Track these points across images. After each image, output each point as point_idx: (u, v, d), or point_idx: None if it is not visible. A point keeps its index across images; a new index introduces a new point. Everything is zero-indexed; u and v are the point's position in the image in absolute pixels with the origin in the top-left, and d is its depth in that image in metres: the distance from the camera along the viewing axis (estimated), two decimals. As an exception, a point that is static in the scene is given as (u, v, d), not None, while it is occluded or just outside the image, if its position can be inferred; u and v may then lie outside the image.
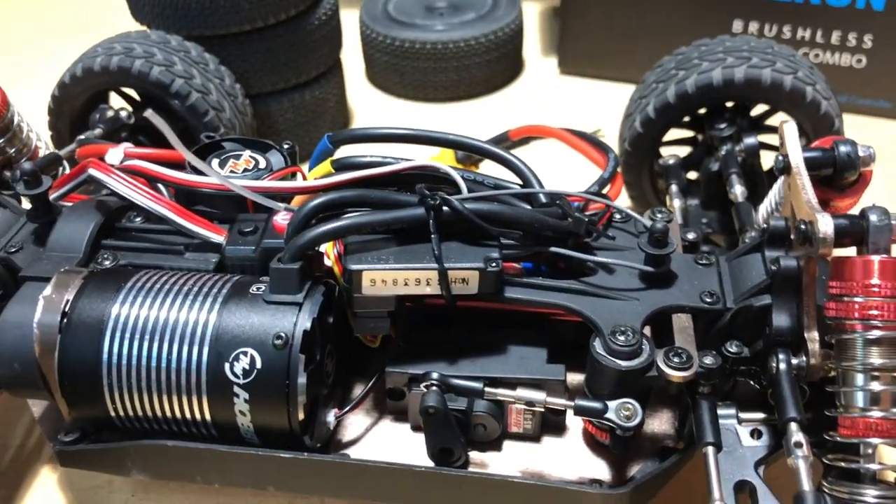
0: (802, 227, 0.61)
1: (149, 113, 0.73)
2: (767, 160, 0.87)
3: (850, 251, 0.62)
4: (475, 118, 1.42)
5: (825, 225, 0.59)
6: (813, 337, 0.63)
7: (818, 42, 1.28)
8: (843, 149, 0.67)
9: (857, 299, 0.58)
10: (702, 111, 0.98)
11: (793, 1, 1.26)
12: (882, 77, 1.28)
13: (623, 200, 1.06)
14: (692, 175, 1.02)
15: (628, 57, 1.40)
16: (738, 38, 0.96)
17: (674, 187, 0.92)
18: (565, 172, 1.03)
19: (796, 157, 0.66)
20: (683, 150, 1.03)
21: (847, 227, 0.59)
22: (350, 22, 1.53)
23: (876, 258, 0.58)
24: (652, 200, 1.02)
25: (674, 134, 1.02)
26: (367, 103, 1.47)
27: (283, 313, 0.64)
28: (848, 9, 1.23)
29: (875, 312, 0.58)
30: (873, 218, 0.59)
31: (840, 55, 1.28)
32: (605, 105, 1.38)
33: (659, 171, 0.97)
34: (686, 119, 0.99)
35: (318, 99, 1.27)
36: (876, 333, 0.58)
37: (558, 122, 1.35)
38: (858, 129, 1.30)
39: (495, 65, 1.45)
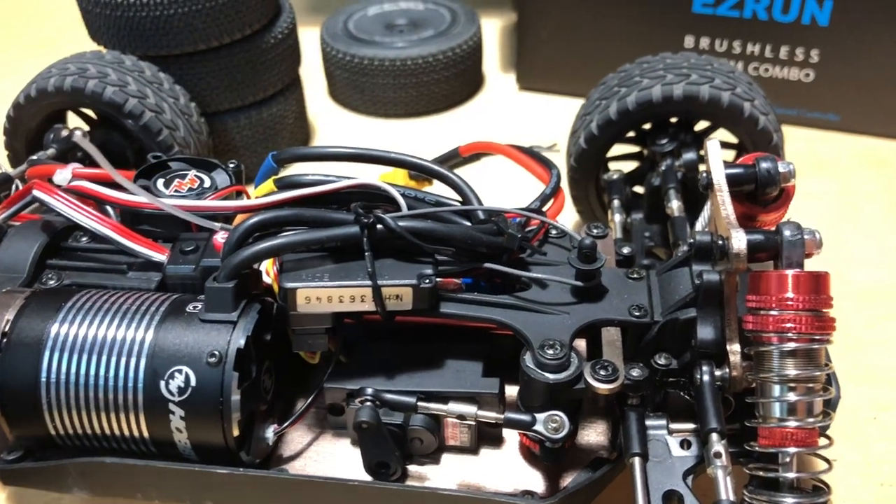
0: (720, 242, 0.63)
1: (77, 137, 0.74)
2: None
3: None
4: (435, 134, 1.44)
5: (738, 241, 0.60)
6: (734, 349, 0.65)
7: (767, 57, 1.31)
8: (763, 165, 0.69)
9: (772, 312, 0.60)
10: (647, 126, 1.00)
11: (741, 16, 1.28)
12: (830, 90, 1.31)
13: (570, 214, 1.08)
14: (639, 189, 1.03)
15: (584, 72, 1.42)
16: (678, 56, 0.98)
17: (616, 202, 0.94)
18: (516, 187, 1.05)
19: (718, 173, 0.68)
20: (631, 165, 1.05)
21: (761, 242, 0.61)
22: (313, 38, 1.55)
23: (789, 272, 0.60)
24: (599, 214, 1.04)
25: (622, 149, 1.04)
26: (328, 120, 1.49)
27: (217, 331, 0.65)
28: (794, 24, 1.26)
29: (790, 325, 0.60)
30: (787, 233, 0.61)
31: (789, 69, 1.31)
32: (562, 120, 1.39)
33: (604, 185, 0.99)
34: (632, 134, 1.01)
35: (276, 116, 1.29)
36: (791, 345, 0.60)
37: (517, 137, 1.38)
38: (808, 141, 1.33)
39: (454, 81, 1.46)
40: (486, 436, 0.74)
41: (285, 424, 0.71)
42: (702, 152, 0.96)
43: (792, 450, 0.60)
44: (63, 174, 0.83)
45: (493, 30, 1.71)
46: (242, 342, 0.65)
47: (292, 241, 0.67)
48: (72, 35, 1.74)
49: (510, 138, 1.38)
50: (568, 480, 0.71)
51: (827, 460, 0.61)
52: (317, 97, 1.54)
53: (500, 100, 1.52)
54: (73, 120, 1.12)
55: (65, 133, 1.03)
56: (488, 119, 1.47)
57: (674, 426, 0.69)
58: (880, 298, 1.03)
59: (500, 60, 1.63)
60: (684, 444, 0.69)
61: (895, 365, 0.94)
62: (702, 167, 0.89)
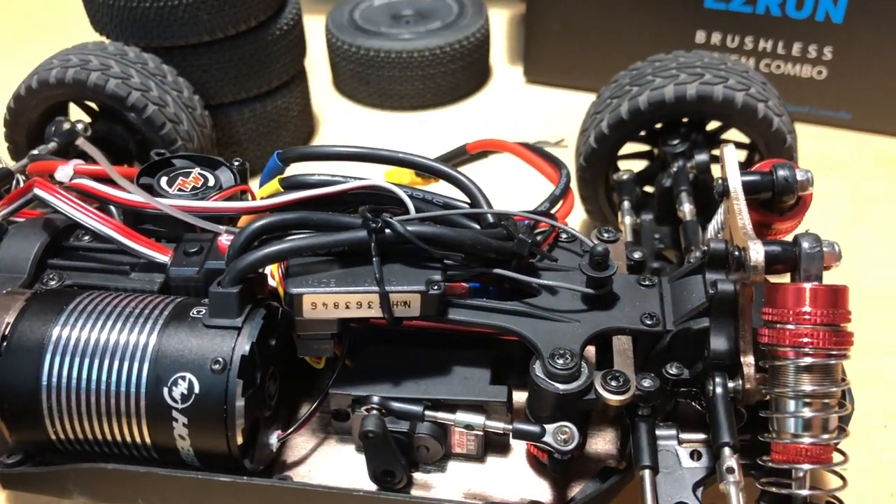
0: (736, 253, 0.61)
1: (80, 141, 0.72)
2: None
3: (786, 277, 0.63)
4: (441, 127, 1.42)
5: (756, 252, 0.59)
6: (748, 361, 0.63)
7: (780, 53, 1.29)
8: (781, 173, 0.67)
9: (788, 326, 0.59)
10: (658, 126, 0.98)
11: (754, 12, 1.26)
12: (842, 88, 1.29)
13: (579, 214, 1.06)
14: (649, 188, 1.02)
15: (593, 66, 1.41)
16: (692, 54, 0.97)
17: (626, 203, 0.93)
18: (525, 186, 1.04)
19: (734, 181, 0.66)
20: (641, 164, 1.03)
21: (779, 254, 0.60)
22: (318, 28, 1.53)
23: (807, 286, 0.59)
24: (608, 214, 1.03)
25: (632, 147, 1.02)
26: (333, 112, 1.47)
27: (221, 338, 0.64)
28: (808, 21, 1.24)
29: (806, 340, 0.58)
30: (805, 245, 0.60)
31: (801, 66, 1.29)
32: (570, 114, 1.37)
33: (613, 185, 0.98)
34: (642, 133, 0.99)
35: (280, 108, 1.27)
36: (807, 360, 0.58)
37: (524, 131, 1.37)
38: (819, 140, 1.31)
39: (461, 74, 1.45)
40: (493, 443, 0.73)
41: (289, 431, 0.70)
42: (714, 152, 0.95)
43: (806, 466, 0.59)
44: (65, 171, 0.81)
45: (500, 21, 1.69)
46: (247, 349, 0.64)
47: (299, 246, 0.65)
48: (71, 22, 1.72)
49: (516, 132, 1.37)
50: (576, 490, 0.70)
51: (842, 477, 0.60)
52: (322, 88, 1.52)
53: (506, 93, 1.50)
54: (74, 112, 1.10)
55: (66, 126, 1.01)
56: (495, 112, 1.46)
57: (684, 436, 0.68)
58: (890, 302, 1.02)
59: (507, 53, 1.61)
60: (694, 455, 0.68)
61: (906, 371, 0.93)
62: (716, 172, 0.87)
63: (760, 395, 0.63)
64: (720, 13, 1.28)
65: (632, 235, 0.90)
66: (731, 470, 0.60)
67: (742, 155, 1.01)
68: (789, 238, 0.62)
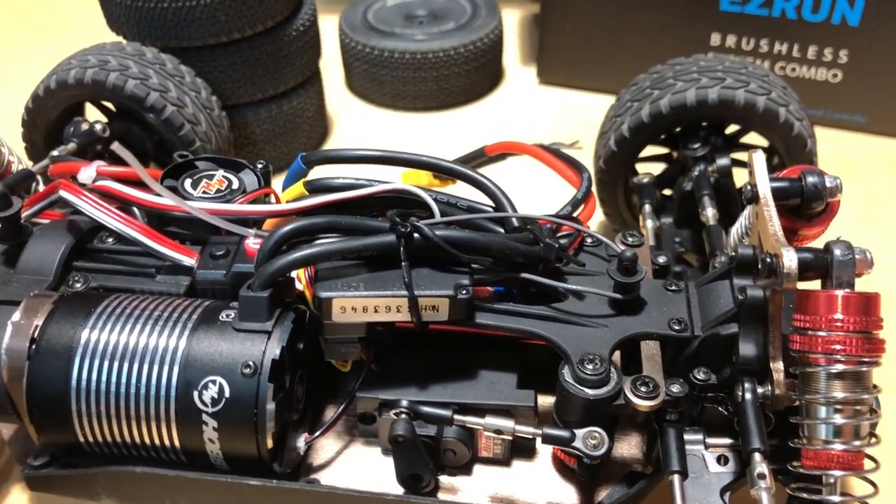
0: (768, 260, 0.62)
1: (115, 146, 0.72)
2: (741, 177, 0.87)
3: (816, 283, 0.63)
4: (454, 128, 1.42)
5: (790, 260, 0.59)
6: (778, 367, 0.63)
7: (795, 56, 1.29)
8: (810, 179, 0.67)
9: (820, 333, 0.59)
10: (677, 129, 0.98)
11: (770, 15, 1.26)
12: (857, 92, 1.29)
13: (598, 217, 1.06)
14: (668, 191, 1.02)
15: (607, 68, 1.41)
16: (712, 58, 0.97)
17: (647, 207, 0.93)
18: (543, 188, 1.04)
19: (764, 187, 0.66)
20: (659, 167, 1.03)
21: (811, 261, 0.60)
22: (331, 28, 1.53)
23: (839, 293, 0.59)
24: (626, 217, 1.03)
25: (650, 150, 1.02)
26: (347, 112, 1.47)
27: (251, 341, 0.64)
28: (824, 24, 1.24)
29: (838, 347, 0.58)
30: (837, 252, 0.60)
31: (816, 69, 1.29)
32: (584, 115, 1.38)
33: (633, 188, 0.98)
34: (662, 136, 0.99)
35: (296, 109, 1.27)
36: (839, 367, 0.59)
37: (538, 133, 1.37)
38: (834, 143, 1.31)
39: (474, 74, 1.45)
40: (519, 448, 0.73)
41: (317, 434, 0.70)
42: (734, 156, 0.95)
43: (837, 473, 0.59)
44: (88, 172, 0.81)
45: (513, 22, 1.69)
46: (278, 353, 0.64)
47: (329, 250, 0.65)
48: (71, 22, 1.72)
49: (530, 133, 1.37)
50: (602, 495, 0.70)
51: (873, 483, 0.60)
52: (335, 89, 1.52)
53: (520, 94, 1.50)
54: (91, 112, 1.10)
55: (85, 127, 1.01)
56: (508, 114, 1.46)
57: (710, 441, 0.68)
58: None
59: (520, 53, 1.61)
60: (721, 460, 0.68)
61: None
62: (737, 177, 0.87)
63: (790, 400, 0.63)
64: (736, 15, 1.28)
65: (654, 239, 0.90)
66: (762, 476, 0.60)
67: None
68: (819, 244, 0.62)
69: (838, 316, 0.58)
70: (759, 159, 0.68)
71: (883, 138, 1.32)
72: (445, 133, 1.41)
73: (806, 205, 0.68)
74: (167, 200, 0.73)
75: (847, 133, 1.33)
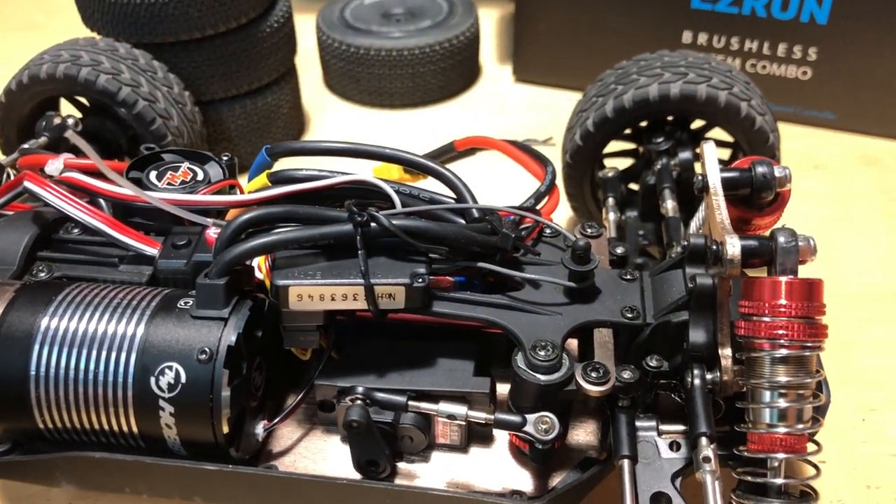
0: (714, 247, 0.63)
1: (69, 134, 0.73)
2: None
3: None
4: (431, 125, 1.43)
5: (733, 247, 0.60)
6: (726, 354, 0.65)
7: (765, 54, 1.30)
8: (759, 169, 0.68)
9: (764, 319, 0.60)
10: (643, 124, 0.99)
11: (740, 13, 1.28)
12: (827, 89, 1.30)
13: (565, 210, 1.08)
14: (635, 186, 1.03)
15: (581, 66, 1.42)
16: (676, 54, 0.98)
17: (610, 200, 0.94)
18: (511, 181, 1.05)
19: (714, 177, 0.67)
20: (627, 162, 1.04)
21: (756, 248, 0.61)
22: (310, 26, 1.54)
23: (783, 279, 0.60)
24: (593, 211, 1.04)
25: (619, 146, 1.03)
26: (323, 109, 1.48)
27: (208, 328, 0.65)
28: (793, 21, 1.26)
29: (782, 332, 0.60)
30: (781, 240, 0.61)
31: (786, 67, 1.31)
32: (558, 113, 1.39)
33: (599, 182, 0.99)
34: (628, 131, 1.00)
35: (270, 105, 1.28)
36: (783, 352, 0.60)
37: (513, 130, 1.38)
38: (804, 139, 1.33)
39: (451, 72, 1.46)
40: (477, 434, 0.74)
41: (275, 421, 0.71)
42: (697, 151, 0.96)
43: (781, 455, 0.60)
44: (55, 164, 0.82)
45: (490, 20, 1.70)
46: (233, 339, 0.65)
47: (285, 239, 0.66)
48: (57, 18, 1.73)
49: (506, 130, 1.38)
50: (557, 480, 0.71)
51: (816, 466, 0.62)
52: (312, 85, 1.53)
53: (496, 91, 1.52)
54: (66, 107, 1.11)
55: (57, 121, 1.02)
56: (484, 110, 1.47)
57: (663, 427, 0.69)
58: (870, 300, 1.04)
59: (496, 51, 1.62)
60: (673, 446, 0.69)
61: (884, 366, 0.95)
62: (697, 169, 0.88)
63: (737, 386, 0.64)
64: (707, 13, 1.30)
65: (615, 231, 0.91)
66: (707, 459, 0.61)
67: (726, 153, 1.02)
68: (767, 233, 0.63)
69: (782, 301, 0.60)
70: (710, 149, 0.69)
71: (852, 135, 1.33)
72: (422, 130, 1.42)
73: (756, 194, 0.69)
74: (126, 190, 0.73)
75: (817, 130, 1.35)
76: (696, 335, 0.66)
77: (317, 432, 0.75)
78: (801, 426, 0.60)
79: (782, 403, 0.60)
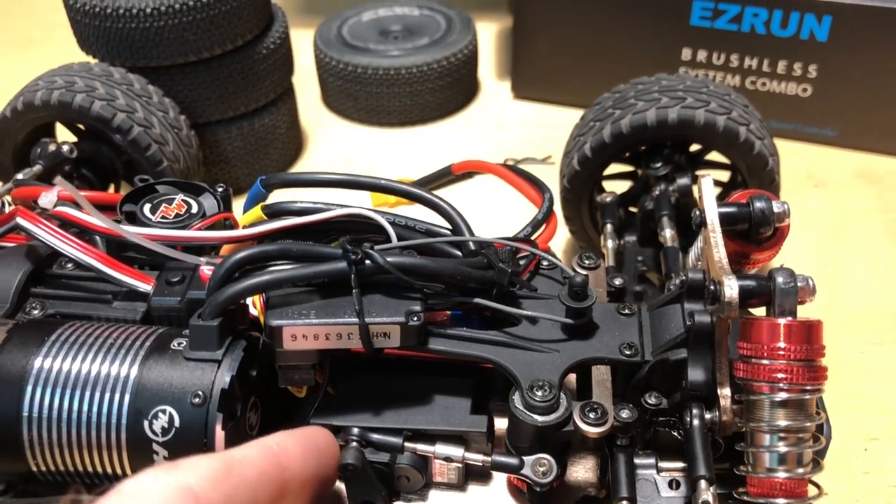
0: (712, 287, 0.62)
1: (58, 180, 0.73)
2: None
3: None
4: (429, 143, 1.43)
5: (730, 289, 0.60)
6: (725, 394, 0.64)
7: (765, 71, 1.30)
8: (758, 205, 0.68)
9: (763, 362, 0.59)
10: (642, 147, 0.99)
11: (739, 30, 1.27)
12: (827, 106, 1.30)
13: (563, 234, 1.07)
14: (634, 209, 1.03)
15: (580, 82, 1.42)
16: (674, 77, 0.97)
17: (608, 227, 0.93)
18: (511, 205, 1.04)
19: (711, 213, 0.67)
20: (626, 185, 1.04)
21: (754, 289, 0.60)
22: (307, 42, 1.53)
23: (782, 321, 0.59)
24: (592, 235, 1.03)
25: (618, 168, 1.03)
26: (321, 127, 1.48)
27: (201, 370, 0.64)
28: (793, 39, 1.25)
29: (781, 375, 0.59)
30: (780, 280, 0.60)
31: (786, 84, 1.30)
32: (557, 130, 1.38)
33: (597, 207, 0.98)
34: (627, 154, 1.00)
35: (268, 126, 1.27)
36: (782, 396, 0.59)
37: (512, 147, 1.37)
38: (805, 156, 1.32)
39: (449, 90, 1.45)
40: (474, 472, 0.73)
41: (271, 460, 0.70)
42: (697, 173, 0.95)
43: (781, 501, 0.60)
44: (48, 197, 0.81)
45: (488, 35, 1.70)
46: (227, 382, 0.64)
47: (278, 278, 0.66)
48: (59, 34, 1.72)
49: (505, 148, 1.38)
50: (556, 519, 0.70)
51: (816, 509, 0.61)
52: (311, 103, 1.53)
53: (494, 109, 1.51)
54: (62, 131, 1.10)
55: (52, 148, 1.01)
56: (483, 128, 1.46)
57: (663, 465, 0.69)
58: (870, 323, 1.03)
59: (495, 68, 1.62)
60: (673, 484, 0.68)
61: (885, 392, 0.94)
62: (695, 193, 0.88)
63: (737, 426, 0.64)
64: (706, 31, 1.29)
65: (614, 259, 0.90)
66: (706, 503, 0.60)
67: (725, 175, 1.01)
68: (765, 272, 0.63)
69: (781, 344, 0.59)
70: (707, 185, 0.69)
71: (853, 152, 1.32)
72: (420, 148, 1.41)
73: (754, 230, 0.69)
74: (111, 226, 0.73)
75: (818, 147, 1.34)
76: (695, 374, 0.65)
77: (313, 469, 0.74)
78: (801, 470, 0.60)
79: (782, 448, 0.60)
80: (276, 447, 0.51)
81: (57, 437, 0.65)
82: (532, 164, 1.31)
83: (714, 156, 0.97)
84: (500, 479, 0.73)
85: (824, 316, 0.89)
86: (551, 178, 1.05)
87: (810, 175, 1.29)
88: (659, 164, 0.95)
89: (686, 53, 1.33)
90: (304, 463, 0.52)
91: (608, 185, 1.03)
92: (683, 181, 0.92)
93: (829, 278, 1.09)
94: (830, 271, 1.11)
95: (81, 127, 1.09)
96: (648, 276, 0.93)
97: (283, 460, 0.51)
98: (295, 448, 0.53)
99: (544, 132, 1.41)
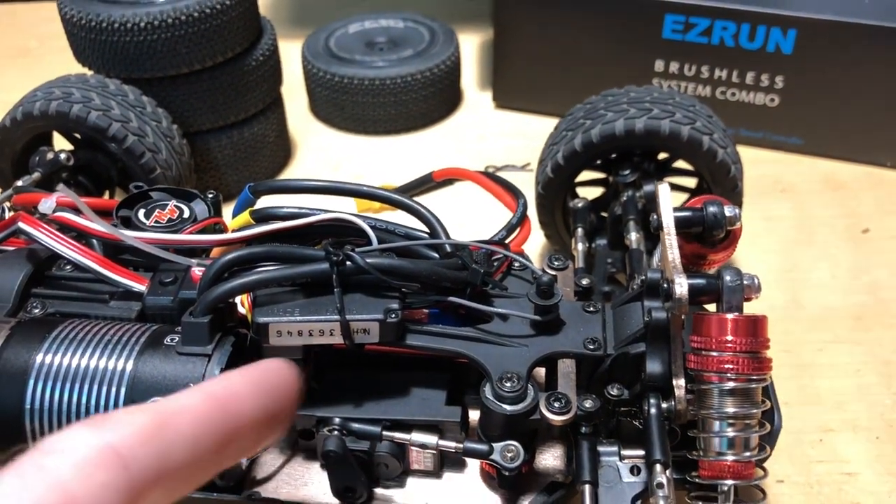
0: (665, 285, 0.67)
1: (60, 187, 0.77)
2: (677, 199, 0.92)
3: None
4: (414, 150, 1.47)
5: (680, 286, 0.65)
6: (679, 384, 0.69)
7: (734, 82, 1.35)
8: (711, 209, 0.73)
9: (713, 353, 0.64)
10: (613, 155, 1.04)
11: (709, 43, 1.32)
12: (794, 115, 1.35)
13: (538, 238, 1.12)
14: (606, 214, 1.07)
15: (558, 92, 1.47)
16: (643, 89, 1.02)
17: (579, 231, 0.98)
18: (490, 210, 1.09)
19: (667, 217, 0.72)
20: (598, 191, 1.09)
21: (703, 286, 0.66)
22: (296, 53, 1.58)
23: (729, 316, 0.64)
24: (565, 239, 1.08)
25: (590, 175, 1.08)
26: (309, 136, 1.52)
27: (193, 364, 0.69)
28: (760, 51, 1.30)
29: (729, 366, 0.64)
30: (727, 279, 0.65)
31: (755, 94, 1.35)
32: (537, 138, 1.42)
33: (569, 212, 1.03)
34: (598, 162, 1.05)
35: (257, 135, 1.32)
36: (730, 385, 0.64)
37: (493, 154, 1.42)
38: (773, 164, 1.38)
39: (433, 100, 1.50)
40: (449, 460, 0.78)
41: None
42: (670, 179, 1.00)
43: (729, 482, 0.65)
44: (48, 203, 0.86)
45: (471, 47, 1.75)
46: (217, 374, 0.69)
47: (265, 278, 0.70)
48: (55, 44, 1.76)
49: (486, 156, 1.43)
50: (525, 503, 0.75)
51: (762, 490, 0.66)
52: (299, 112, 1.57)
53: (476, 118, 1.56)
54: (58, 140, 1.15)
55: (50, 156, 1.06)
56: (465, 136, 1.51)
57: (625, 452, 0.74)
58: (830, 322, 1.08)
59: (477, 78, 1.67)
60: (634, 470, 0.73)
61: (841, 388, 0.99)
62: (679, 201, 0.93)
63: (690, 415, 0.69)
64: (678, 43, 1.34)
65: (584, 261, 0.95)
66: (660, 485, 0.65)
67: (692, 182, 1.06)
68: (714, 271, 0.68)
69: (728, 338, 0.64)
70: (664, 192, 0.74)
71: (819, 159, 1.38)
72: (405, 155, 1.46)
73: (708, 232, 0.74)
74: (109, 230, 0.78)
75: (786, 154, 1.39)
76: (653, 366, 0.70)
77: (298, 459, 0.79)
78: (748, 454, 0.65)
79: (730, 433, 0.65)
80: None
81: (58, 428, 0.70)
82: (512, 171, 1.36)
83: (682, 163, 1.03)
84: (473, 466, 0.78)
85: (788, 315, 0.95)
86: (529, 184, 1.11)
87: (777, 181, 1.34)
88: (627, 172, 1.00)
89: (659, 65, 1.38)
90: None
91: (581, 192, 1.08)
92: (649, 188, 0.97)
93: (793, 279, 1.15)
94: (793, 273, 1.16)
95: (78, 136, 1.13)
96: (617, 277, 0.98)
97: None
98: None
99: (524, 140, 1.46)
